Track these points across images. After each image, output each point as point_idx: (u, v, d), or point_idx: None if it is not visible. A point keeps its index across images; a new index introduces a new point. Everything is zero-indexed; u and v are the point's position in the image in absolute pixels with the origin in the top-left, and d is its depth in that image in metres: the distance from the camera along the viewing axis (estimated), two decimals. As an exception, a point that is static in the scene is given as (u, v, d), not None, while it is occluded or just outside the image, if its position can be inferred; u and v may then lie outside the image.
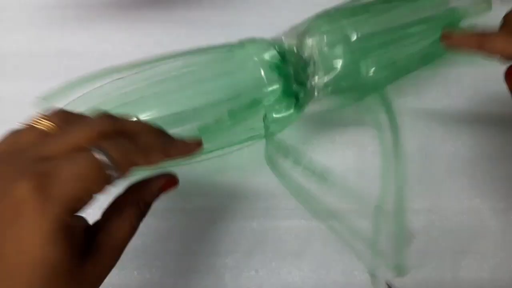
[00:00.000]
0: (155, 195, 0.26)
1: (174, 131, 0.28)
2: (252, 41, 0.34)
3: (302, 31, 0.34)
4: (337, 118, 0.40)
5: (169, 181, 0.27)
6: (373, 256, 0.35)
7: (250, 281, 0.36)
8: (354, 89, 0.35)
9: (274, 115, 0.33)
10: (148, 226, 0.37)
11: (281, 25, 0.44)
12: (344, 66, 0.33)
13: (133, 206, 0.24)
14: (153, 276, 0.36)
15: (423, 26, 0.37)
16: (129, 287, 0.35)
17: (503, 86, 0.31)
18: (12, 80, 0.41)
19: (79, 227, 0.22)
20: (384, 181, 0.37)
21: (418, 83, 0.42)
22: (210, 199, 0.38)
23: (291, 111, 0.33)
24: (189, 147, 0.27)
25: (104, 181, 0.20)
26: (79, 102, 0.32)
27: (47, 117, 0.22)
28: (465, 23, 0.39)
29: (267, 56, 0.33)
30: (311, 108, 0.36)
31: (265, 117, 0.33)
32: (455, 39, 0.31)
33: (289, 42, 0.34)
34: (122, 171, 0.21)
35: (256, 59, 0.33)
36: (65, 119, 0.22)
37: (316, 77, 0.33)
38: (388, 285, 0.35)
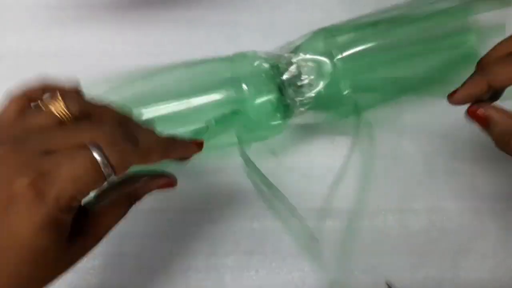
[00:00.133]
0: (149, 192, 0.27)
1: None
2: (243, 55, 0.35)
3: (296, 47, 0.35)
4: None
5: (168, 183, 0.27)
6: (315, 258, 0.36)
7: (250, 281, 0.36)
8: (334, 107, 0.36)
9: (259, 125, 0.35)
10: (148, 226, 0.37)
11: (281, 24, 0.44)
12: (326, 85, 0.34)
13: (126, 199, 0.25)
14: (153, 276, 0.36)
15: (429, 46, 0.36)
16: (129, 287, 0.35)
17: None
18: (12, 80, 0.41)
19: (69, 217, 0.22)
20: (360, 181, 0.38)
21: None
22: (210, 199, 0.38)
23: (278, 122, 0.35)
24: (189, 149, 0.27)
25: (101, 181, 0.21)
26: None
27: (66, 104, 0.22)
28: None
29: (257, 68, 0.34)
30: (296, 120, 0.36)
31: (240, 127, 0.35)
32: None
33: (282, 56, 0.35)
34: (120, 173, 0.21)
35: (246, 70, 0.34)
36: (82, 110, 0.22)
37: (302, 92, 0.35)
38: (388, 285, 0.35)
